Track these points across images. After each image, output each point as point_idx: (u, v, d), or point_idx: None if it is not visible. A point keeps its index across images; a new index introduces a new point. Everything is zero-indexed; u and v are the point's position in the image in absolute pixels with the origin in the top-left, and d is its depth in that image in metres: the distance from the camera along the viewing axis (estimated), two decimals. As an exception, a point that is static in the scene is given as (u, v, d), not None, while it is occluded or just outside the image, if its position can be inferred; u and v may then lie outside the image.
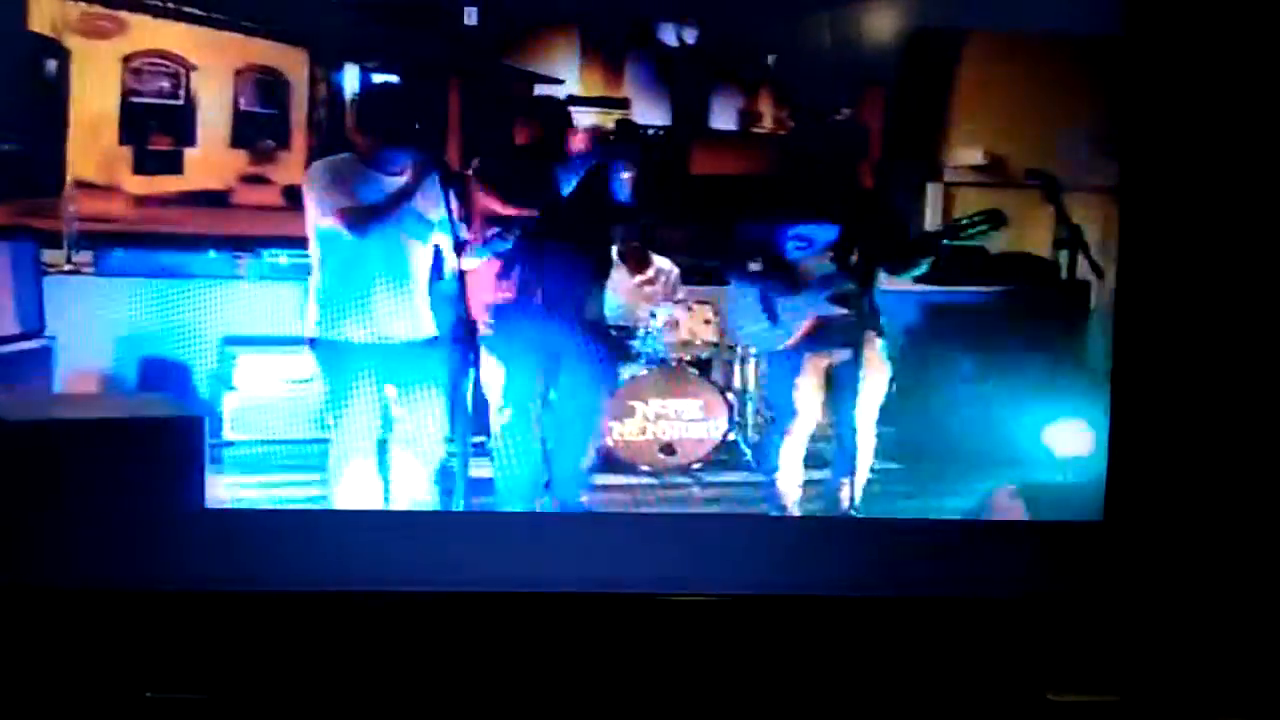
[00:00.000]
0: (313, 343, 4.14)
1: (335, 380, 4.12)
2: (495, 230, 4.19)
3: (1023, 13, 4.57)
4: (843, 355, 4.37)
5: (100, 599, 3.62)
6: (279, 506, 4.34)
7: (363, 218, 4.03)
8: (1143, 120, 3.97)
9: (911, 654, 3.83)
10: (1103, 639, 3.87)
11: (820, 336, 4.39)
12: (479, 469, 4.36)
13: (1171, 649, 3.85)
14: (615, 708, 3.73)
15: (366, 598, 3.76)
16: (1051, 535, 4.09)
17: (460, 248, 4.10)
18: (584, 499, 4.53)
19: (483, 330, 4.26)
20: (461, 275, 4.11)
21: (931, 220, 5.20)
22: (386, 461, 4.19)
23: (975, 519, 4.32)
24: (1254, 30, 3.88)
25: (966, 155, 5.23)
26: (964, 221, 4.35)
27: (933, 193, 5.30)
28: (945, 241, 4.41)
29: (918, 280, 4.45)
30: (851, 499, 4.32)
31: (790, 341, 4.40)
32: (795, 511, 4.45)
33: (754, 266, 4.44)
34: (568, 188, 4.33)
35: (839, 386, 4.40)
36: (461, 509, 4.10)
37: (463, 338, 4.06)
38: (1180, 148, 3.92)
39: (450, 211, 4.01)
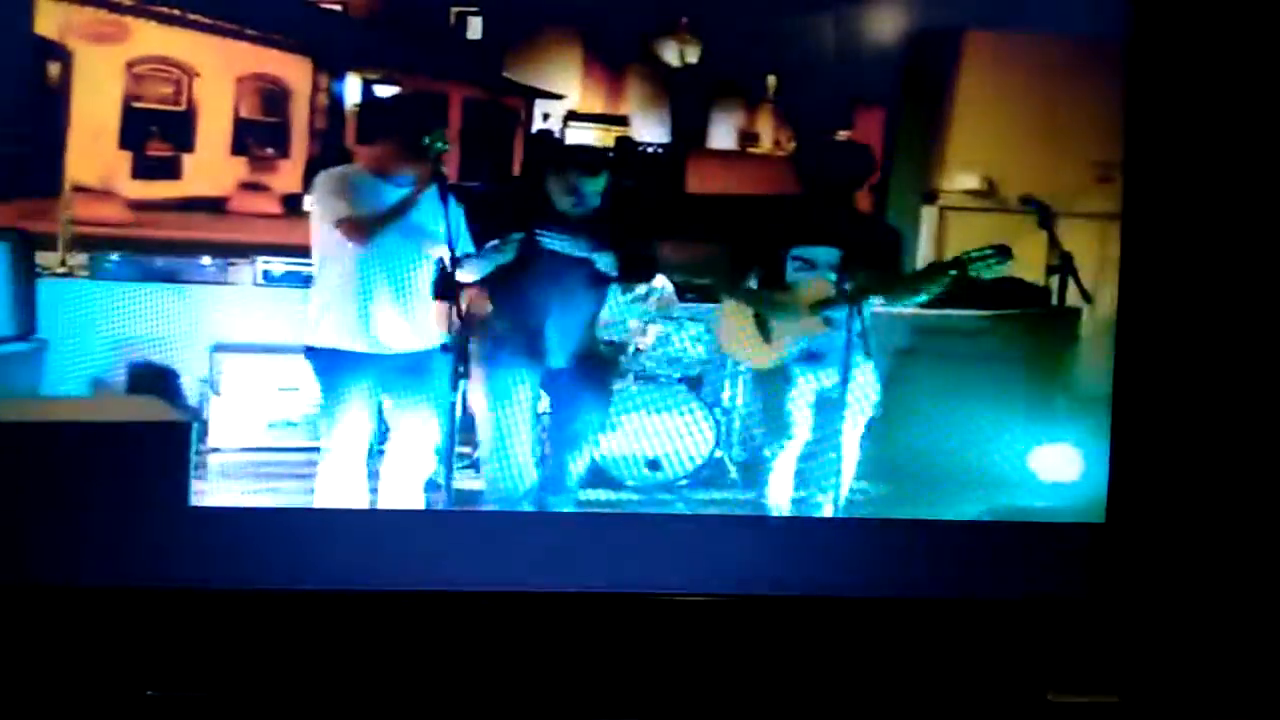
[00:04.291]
0: (310, 351, 4.16)
1: (330, 389, 4.15)
2: (493, 243, 4.19)
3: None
4: (832, 375, 4.38)
5: (100, 598, 3.64)
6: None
7: (363, 227, 4.06)
8: (1145, 132, 3.97)
9: (912, 654, 3.84)
10: (1103, 640, 3.87)
11: (813, 356, 4.40)
12: (467, 481, 4.37)
13: (1172, 650, 3.85)
14: (608, 708, 3.73)
15: (365, 598, 3.78)
16: (1052, 536, 4.08)
17: (458, 260, 4.12)
18: None
19: (477, 343, 4.28)
20: (459, 287, 4.12)
21: (927, 244, 5.19)
22: (377, 472, 4.20)
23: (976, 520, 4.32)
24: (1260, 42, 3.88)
25: (962, 179, 5.22)
26: (974, 255, 4.26)
27: (928, 216, 5.29)
28: (953, 273, 4.34)
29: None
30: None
31: (783, 360, 4.40)
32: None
33: (751, 285, 4.45)
34: (562, 204, 4.33)
35: (826, 406, 4.41)
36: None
37: (457, 350, 4.09)
38: (1183, 154, 3.93)
39: (449, 223, 4.05)
